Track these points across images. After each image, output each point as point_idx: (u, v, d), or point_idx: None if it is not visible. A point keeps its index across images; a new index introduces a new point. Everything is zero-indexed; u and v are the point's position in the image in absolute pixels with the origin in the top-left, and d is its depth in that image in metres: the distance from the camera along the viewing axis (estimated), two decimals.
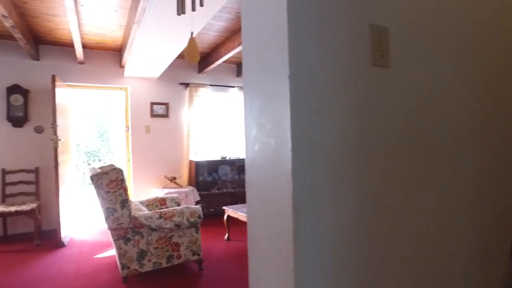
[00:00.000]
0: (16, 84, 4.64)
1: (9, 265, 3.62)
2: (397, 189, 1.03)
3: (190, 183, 5.59)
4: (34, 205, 4.29)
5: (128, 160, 5.43)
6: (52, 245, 4.22)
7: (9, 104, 4.60)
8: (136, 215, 3.01)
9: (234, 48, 4.47)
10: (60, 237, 4.20)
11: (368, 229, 0.95)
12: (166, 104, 5.56)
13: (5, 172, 4.57)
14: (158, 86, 5.52)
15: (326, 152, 0.89)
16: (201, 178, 5.51)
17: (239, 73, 6.11)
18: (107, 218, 2.93)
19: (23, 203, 4.39)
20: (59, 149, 4.19)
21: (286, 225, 0.85)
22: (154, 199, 3.89)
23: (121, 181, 2.93)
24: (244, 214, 3.87)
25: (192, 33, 2.58)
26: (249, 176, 1.06)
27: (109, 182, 2.89)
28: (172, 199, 3.95)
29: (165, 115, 5.55)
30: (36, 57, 4.75)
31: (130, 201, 3.03)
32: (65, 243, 4.26)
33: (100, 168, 3.50)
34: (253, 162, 1.03)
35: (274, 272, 0.91)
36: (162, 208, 3.84)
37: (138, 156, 5.37)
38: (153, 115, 5.46)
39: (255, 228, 1.02)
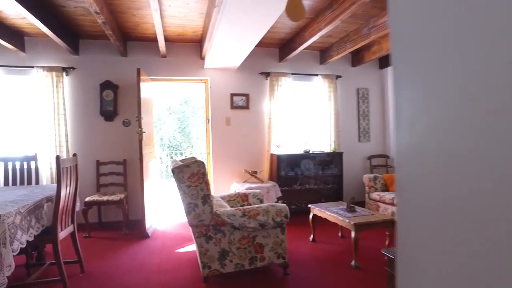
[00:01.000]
0: (108, 80, 4.84)
1: (101, 252, 3.74)
2: None
3: (271, 178, 5.32)
4: (122, 196, 4.42)
5: (208, 153, 5.35)
6: (137, 235, 4.31)
7: (102, 99, 4.83)
8: (218, 212, 2.79)
9: (320, 30, 4.01)
10: (144, 228, 4.25)
11: None
12: (246, 95, 5.35)
13: (99, 163, 4.81)
14: (238, 76, 5.34)
15: None
16: (282, 173, 5.19)
17: (323, 59, 5.62)
18: (188, 213, 2.76)
19: (113, 193, 4.56)
20: (143, 142, 4.23)
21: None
22: (235, 194, 3.67)
23: (203, 175, 2.73)
24: (334, 214, 3.43)
25: None
26: (405, 171, 0.65)
27: (191, 175, 2.70)
28: (255, 195, 3.69)
29: (245, 107, 5.35)
30: (124, 54, 4.89)
31: (212, 196, 2.83)
32: (149, 234, 4.31)
33: (182, 160, 3.38)
34: (415, 151, 0.62)
35: None
36: (244, 205, 3.61)
37: (218, 149, 5.26)
38: (233, 106, 5.30)
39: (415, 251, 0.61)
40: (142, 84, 4.35)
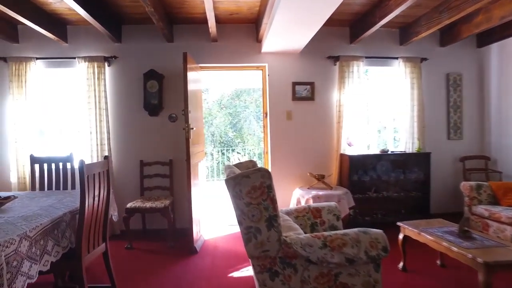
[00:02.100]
0: (152, 69, 4.26)
1: (142, 270, 3.16)
2: None
3: (340, 183, 4.42)
4: (167, 202, 3.82)
5: (266, 152, 4.58)
6: (184, 249, 3.67)
7: (145, 91, 4.27)
8: (288, 240, 2.00)
9: None
10: (192, 242, 3.60)
11: None
12: (310, 84, 4.47)
13: (143, 164, 4.27)
14: (301, 62, 4.48)
15: None
16: (354, 177, 4.26)
17: (404, 39, 4.57)
18: (247, 241, 2.00)
19: (158, 199, 3.98)
20: (190, 140, 3.57)
21: None
22: (305, 209, 2.85)
23: (268, 189, 1.95)
24: (445, 243, 2.46)
25: None
26: None
27: (251, 189, 1.93)
28: (330, 210, 2.84)
29: (310, 98, 4.48)
30: (170, 38, 4.28)
31: (279, 217, 2.03)
32: (198, 249, 3.65)
33: (238, 165, 2.64)
34: None
35: None
36: (316, 222, 2.78)
37: (278, 147, 4.47)
38: (296, 97, 4.45)
39: None
40: (190, 73, 3.69)
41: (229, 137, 12.82)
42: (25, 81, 4.10)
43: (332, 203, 2.94)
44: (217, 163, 11.13)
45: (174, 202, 4.21)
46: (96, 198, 2.35)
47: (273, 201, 1.97)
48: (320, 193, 3.90)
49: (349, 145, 4.34)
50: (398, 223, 3.07)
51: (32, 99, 4.11)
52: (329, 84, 4.51)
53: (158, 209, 3.72)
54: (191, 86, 3.72)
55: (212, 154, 11.31)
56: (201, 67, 4.39)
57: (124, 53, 4.29)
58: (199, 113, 4.22)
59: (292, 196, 4.23)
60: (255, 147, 12.06)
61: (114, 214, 3.18)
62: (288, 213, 2.80)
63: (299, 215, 2.80)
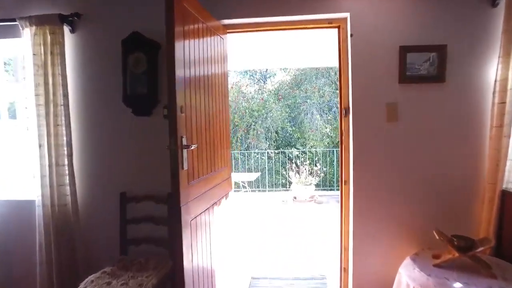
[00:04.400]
0: (136, 32, 2.39)
1: None
2: None
3: (498, 251, 2.17)
4: (154, 280, 1.98)
5: (345, 181, 2.45)
6: None
7: (126, 71, 2.42)
8: None
9: None
10: None
11: None
12: (438, 50, 2.22)
13: (125, 200, 2.47)
14: (418, 6, 2.26)
15: None
16: None
17: None
18: None
19: (144, 267, 2.19)
20: (184, 171, 1.64)
21: None
22: None
23: None
24: None
25: None
26: None
27: None
28: None
29: (435, 77, 2.23)
30: None
31: None
32: None
33: None
34: None
35: None
36: None
37: (369, 173, 2.33)
38: (406, 78, 2.24)
39: None
40: (201, 40, 1.80)
41: (288, 132, 10.94)
42: None
43: None
44: (272, 164, 9.28)
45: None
46: None
47: None
48: None
49: None
50: None
51: None
52: (478, 48, 2.22)
53: None
54: (201, 65, 1.81)
55: (267, 151, 9.55)
56: (226, 28, 2.43)
57: (93, 8, 2.50)
58: (216, 110, 2.28)
59: (397, 278, 2.08)
60: (317, 144, 10.19)
61: None
62: None
63: None
